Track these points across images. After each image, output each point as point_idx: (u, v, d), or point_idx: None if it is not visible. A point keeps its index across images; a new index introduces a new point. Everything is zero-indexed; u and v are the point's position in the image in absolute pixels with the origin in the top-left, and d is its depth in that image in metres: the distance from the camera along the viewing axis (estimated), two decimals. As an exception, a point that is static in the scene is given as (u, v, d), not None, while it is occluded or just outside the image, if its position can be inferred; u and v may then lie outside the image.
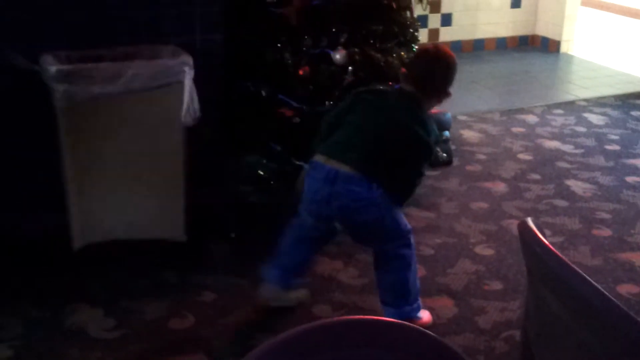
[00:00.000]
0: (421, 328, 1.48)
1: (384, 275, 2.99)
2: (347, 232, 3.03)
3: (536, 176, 4.53)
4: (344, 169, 2.77)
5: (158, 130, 3.41)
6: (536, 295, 1.80)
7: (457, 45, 7.33)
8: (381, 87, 3.28)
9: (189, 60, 3.35)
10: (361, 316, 1.63)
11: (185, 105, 3.37)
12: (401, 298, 2.96)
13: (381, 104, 2.92)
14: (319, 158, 2.87)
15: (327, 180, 2.79)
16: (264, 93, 3.88)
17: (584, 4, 7.60)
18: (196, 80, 3.38)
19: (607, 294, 1.51)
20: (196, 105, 3.41)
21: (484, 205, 4.14)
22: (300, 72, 3.78)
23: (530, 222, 1.74)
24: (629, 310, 1.48)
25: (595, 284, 1.53)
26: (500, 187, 4.37)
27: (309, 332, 1.34)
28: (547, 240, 1.62)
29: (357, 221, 2.86)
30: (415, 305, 2.99)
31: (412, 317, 2.96)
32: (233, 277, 3.35)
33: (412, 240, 2.97)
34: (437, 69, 2.97)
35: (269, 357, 1.31)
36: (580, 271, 1.56)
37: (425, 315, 3.04)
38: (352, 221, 2.88)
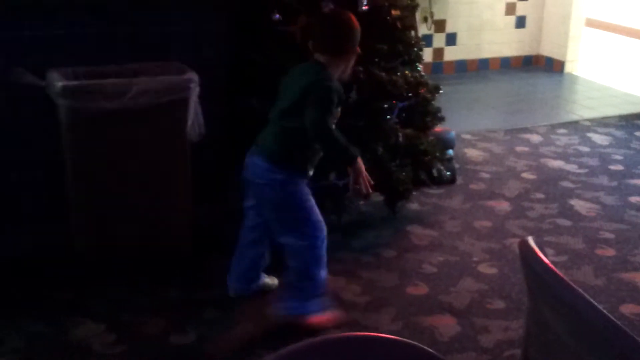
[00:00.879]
0: (420, 345, 1.48)
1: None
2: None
3: (540, 195, 4.53)
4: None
5: (163, 146, 3.43)
6: (537, 314, 1.79)
7: (462, 65, 7.36)
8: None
9: (195, 77, 3.38)
10: (360, 333, 1.64)
11: (190, 122, 3.39)
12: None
13: (287, 81, 3.07)
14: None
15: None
16: (268, 110, 3.89)
17: (588, 24, 7.62)
18: (201, 97, 3.41)
19: (608, 314, 1.51)
20: (201, 121, 3.44)
21: (487, 223, 4.14)
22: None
23: (531, 241, 1.75)
24: (630, 331, 1.48)
25: (597, 304, 1.53)
26: (504, 206, 4.37)
27: (311, 348, 1.34)
28: (550, 260, 1.62)
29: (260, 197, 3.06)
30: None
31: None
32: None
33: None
34: (328, 27, 3.06)
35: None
36: (581, 291, 1.56)
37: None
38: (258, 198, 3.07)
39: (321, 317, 3.12)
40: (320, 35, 3.02)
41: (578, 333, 1.62)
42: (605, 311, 1.53)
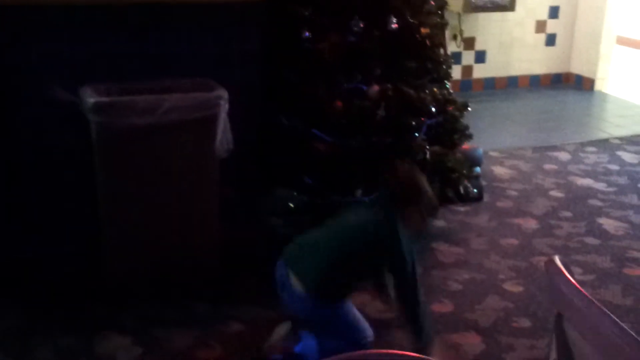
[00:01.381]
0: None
1: None
2: None
3: (567, 214, 4.52)
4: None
5: (192, 162, 3.47)
6: (563, 334, 1.79)
7: (491, 82, 7.35)
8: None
9: (225, 94, 3.42)
10: (386, 350, 1.65)
11: (219, 138, 3.43)
12: None
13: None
14: None
15: None
16: (297, 127, 3.93)
17: (619, 42, 7.59)
18: (231, 114, 3.45)
19: (636, 336, 1.51)
20: (230, 137, 3.48)
21: (514, 241, 4.14)
22: (334, 107, 3.83)
23: (557, 260, 1.75)
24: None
25: (624, 326, 1.53)
26: (531, 224, 4.36)
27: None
28: (577, 279, 1.61)
29: None
30: None
31: None
32: (261, 308, 3.38)
33: None
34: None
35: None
36: (608, 312, 1.56)
37: None
38: None
39: None
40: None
41: (605, 355, 1.61)
42: (633, 333, 1.52)
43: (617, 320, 1.54)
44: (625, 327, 1.54)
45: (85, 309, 3.35)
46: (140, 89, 3.43)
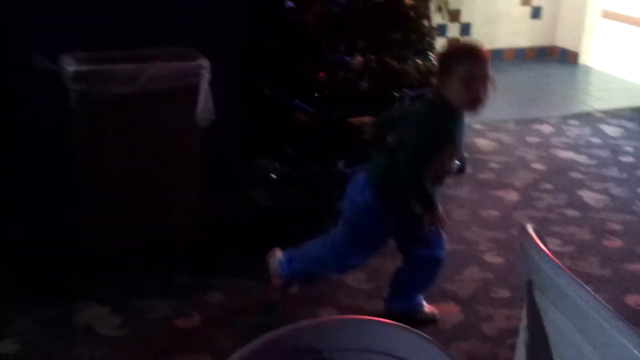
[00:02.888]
0: (419, 332, 1.50)
1: None
2: None
3: (549, 186, 4.54)
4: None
5: (173, 131, 3.46)
6: (535, 302, 1.80)
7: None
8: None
9: (206, 63, 3.40)
10: (361, 316, 1.65)
11: (200, 107, 3.42)
12: None
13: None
14: None
15: None
16: (280, 97, 3.92)
17: (604, 16, 7.58)
18: (212, 84, 3.43)
19: (607, 305, 1.52)
20: (211, 107, 3.46)
21: (495, 213, 4.16)
22: (317, 78, 3.82)
23: (530, 228, 1.75)
24: (632, 323, 1.49)
25: (596, 295, 1.54)
26: (512, 196, 4.38)
27: (298, 332, 1.36)
28: (556, 250, 1.63)
29: None
30: None
31: None
32: (242, 279, 3.39)
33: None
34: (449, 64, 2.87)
35: (256, 357, 1.34)
36: (580, 281, 1.57)
37: None
38: None
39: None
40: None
41: (577, 324, 1.62)
42: (604, 302, 1.53)
43: (585, 286, 1.55)
44: (593, 292, 1.55)
45: (64, 279, 3.34)
46: (121, 58, 3.40)
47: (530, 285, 1.84)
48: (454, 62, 2.81)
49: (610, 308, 1.52)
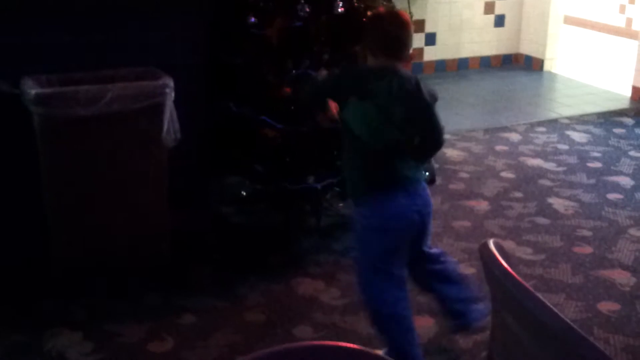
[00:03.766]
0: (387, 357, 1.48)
1: None
2: None
3: (519, 194, 4.55)
4: None
5: (139, 151, 3.41)
6: (499, 318, 1.80)
7: (442, 65, 7.37)
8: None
9: (170, 82, 3.37)
10: (329, 342, 1.63)
11: (165, 127, 3.38)
12: None
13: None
14: None
15: None
16: (246, 114, 3.89)
17: (566, 22, 7.66)
18: (177, 102, 3.40)
19: (567, 320, 1.52)
20: (177, 126, 3.43)
21: (466, 223, 4.16)
22: (283, 93, 3.80)
23: (491, 244, 1.74)
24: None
25: (552, 307, 1.54)
26: (483, 206, 4.39)
27: (275, 356, 1.34)
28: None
29: None
30: None
31: None
32: (214, 299, 3.35)
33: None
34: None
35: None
36: (540, 297, 1.57)
37: None
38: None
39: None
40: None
41: (538, 338, 1.62)
42: (557, 311, 1.54)
43: (545, 301, 1.55)
44: (552, 307, 1.55)
45: (33, 304, 3.28)
46: (83, 79, 3.36)
47: (494, 299, 1.84)
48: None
49: (570, 322, 1.53)
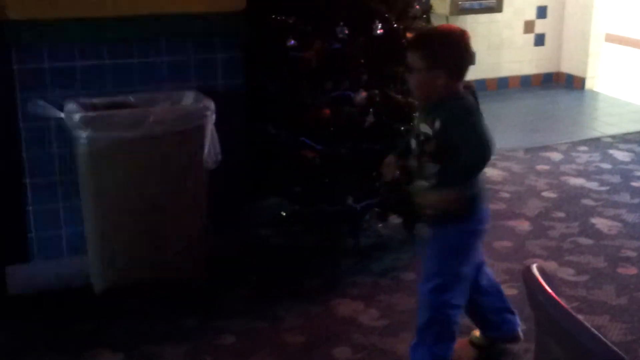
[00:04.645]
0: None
1: None
2: None
3: (561, 214, 4.50)
4: None
5: (180, 173, 3.45)
6: (542, 343, 1.78)
7: (482, 84, 7.34)
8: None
9: (211, 104, 3.40)
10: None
11: (206, 149, 3.41)
12: None
13: None
14: None
15: None
16: (285, 135, 3.91)
17: (607, 40, 7.58)
18: (218, 124, 3.43)
19: (612, 346, 1.49)
20: (218, 148, 3.46)
21: (507, 244, 4.12)
22: (321, 115, 3.81)
23: (534, 268, 1.72)
24: (630, 358, 1.47)
25: (596, 332, 1.51)
26: (524, 226, 4.34)
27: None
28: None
29: None
30: None
31: None
32: (253, 320, 3.36)
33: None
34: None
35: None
36: (585, 323, 1.54)
37: None
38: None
39: None
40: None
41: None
42: (607, 341, 1.51)
43: (592, 328, 1.52)
44: (599, 335, 1.52)
45: (73, 325, 3.31)
46: (125, 102, 3.42)
47: (538, 325, 1.81)
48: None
49: (616, 349, 1.50)
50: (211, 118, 3.40)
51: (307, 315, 3.40)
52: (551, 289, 1.66)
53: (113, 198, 3.35)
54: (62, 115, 3.33)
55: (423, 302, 2.85)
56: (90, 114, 3.28)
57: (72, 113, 3.26)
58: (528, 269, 1.72)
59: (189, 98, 3.54)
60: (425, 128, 2.73)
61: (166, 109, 3.36)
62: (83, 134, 3.22)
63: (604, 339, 1.51)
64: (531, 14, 7.45)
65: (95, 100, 3.42)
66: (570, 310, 1.57)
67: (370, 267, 3.83)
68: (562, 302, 1.60)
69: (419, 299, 2.89)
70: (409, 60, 2.73)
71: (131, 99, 3.48)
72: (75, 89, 3.48)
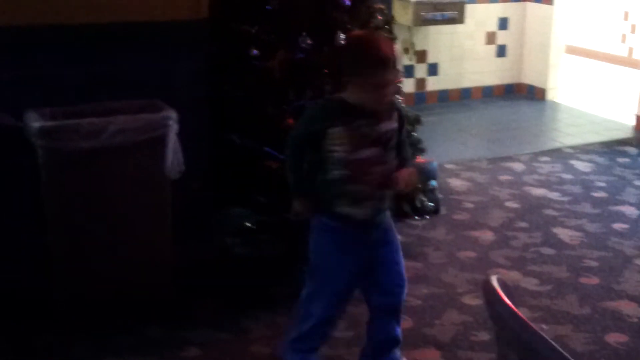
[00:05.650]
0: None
1: None
2: None
3: (523, 224, 4.53)
4: None
5: (143, 184, 3.41)
6: (503, 355, 1.77)
7: (444, 95, 7.38)
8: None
9: (173, 114, 3.37)
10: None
11: (169, 159, 3.37)
12: None
13: None
14: None
15: None
16: (249, 145, 3.88)
17: (568, 51, 7.68)
18: (181, 134, 3.40)
19: (568, 356, 1.49)
20: (180, 158, 3.42)
21: (471, 254, 4.13)
22: (285, 124, 3.79)
23: (494, 280, 1.71)
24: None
25: (557, 347, 1.51)
26: (488, 236, 4.36)
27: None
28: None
29: None
30: None
31: None
32: (219, 331, 3.32)
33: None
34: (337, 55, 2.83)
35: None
36: (542, 333, 1.54)
37: None
38: None
39: None
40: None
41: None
42: (566, 354, 1.51)
43: (551, 340, 1.52)
44: (558, 347, 1.51)
45: (34, 337, 3.25)
46: (86, 112, 3.36)
47: (498, 336, 1.81)
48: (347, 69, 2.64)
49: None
50: (173, 128, 3.37)
51: (274, 326, 3.37)
52: (511, 300, 1.66)
53: (74, 209, 3.30)
54: (21, 124, 3.27)
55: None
56: (50, 123, 3.22)
57: (32, 122, 3.20)
58: (487, 281, 1.72)
59: (151, 108, 3.50)
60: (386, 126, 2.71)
61: (127, 118, 3.32)
62: (43, 144, 3.16)
63: (563, 351, 1.51)
64: (493, 26, 7.52)
65: (55, 110, 3.37)
66: (529, 322, 1.56)
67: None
68: (521, 314, 1.60)
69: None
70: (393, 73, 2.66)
71: (92, 108, 3.43)
72: (35, 97, 3.42)
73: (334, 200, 2.70)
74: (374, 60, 2.58)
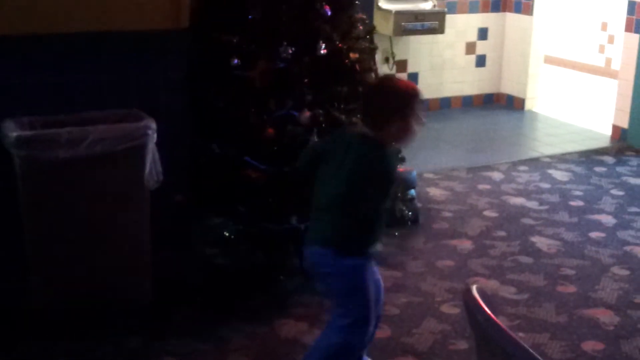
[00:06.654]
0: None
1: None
2: None
3: (502, 233, 4.56)
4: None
5: (122, 193, 3.40)
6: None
7: (424, 104, 7.40)
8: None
9: (152, 123, 3.37)
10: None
11: (147, 169, 3.38)
12: None
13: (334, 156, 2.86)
14: None
15: None
16: (229, 155, 3.89)
17: (547, 61, 7.75)
18: (160, 144, 3.40)
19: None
20: (159, 168, 3.43)
21: (450, 263, 4.15)
22: (266, 134, 3.80)
23: (474, 289, 1.74)
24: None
25: (536, 355, 1.53)
26: (466, 245, 4.39)
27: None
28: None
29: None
30: None
31: None
32: (197, 341, 3.32)
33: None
34: (377, 98, 2.88)
35: None
36: (522, 343, 1.56)
37: None
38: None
39: None
40: (367, 108, 2.90)
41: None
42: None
43: (529, 348, 1.54)
44: (536, 355, 1.54)
45: (13, 348, 3.23)
46: (65, 121, 3.36)
47: (478, 344, 1.83)
48: (388, 99, 2.81)
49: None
50: (152, 137, 3.37)
51: (253, 336, 3.38)
52: (490, 309, 1.68)
53: (52, 218, 3.29)
54: (-1, 134, 3.26)
55: None
56: (28, 132, 3.22)
57: (10, 132, 3.19)
58: (468, 290, 1.74)
59: (130, 117, 3.50)
60: None
61: (106, 128, 3.31)
62: (21, 154, 3.16)
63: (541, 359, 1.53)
64: (472, 36, 7.58)
65: (34, 119, 3.36)
66: (508, 331, 1.58)
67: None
68: (501, 322, 1.62)
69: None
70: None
71: (71, 117, 3.42)
72: (13, 106, 3.41)
73: (378, 239, 2.87)
74: (419, 99, 2.86)
